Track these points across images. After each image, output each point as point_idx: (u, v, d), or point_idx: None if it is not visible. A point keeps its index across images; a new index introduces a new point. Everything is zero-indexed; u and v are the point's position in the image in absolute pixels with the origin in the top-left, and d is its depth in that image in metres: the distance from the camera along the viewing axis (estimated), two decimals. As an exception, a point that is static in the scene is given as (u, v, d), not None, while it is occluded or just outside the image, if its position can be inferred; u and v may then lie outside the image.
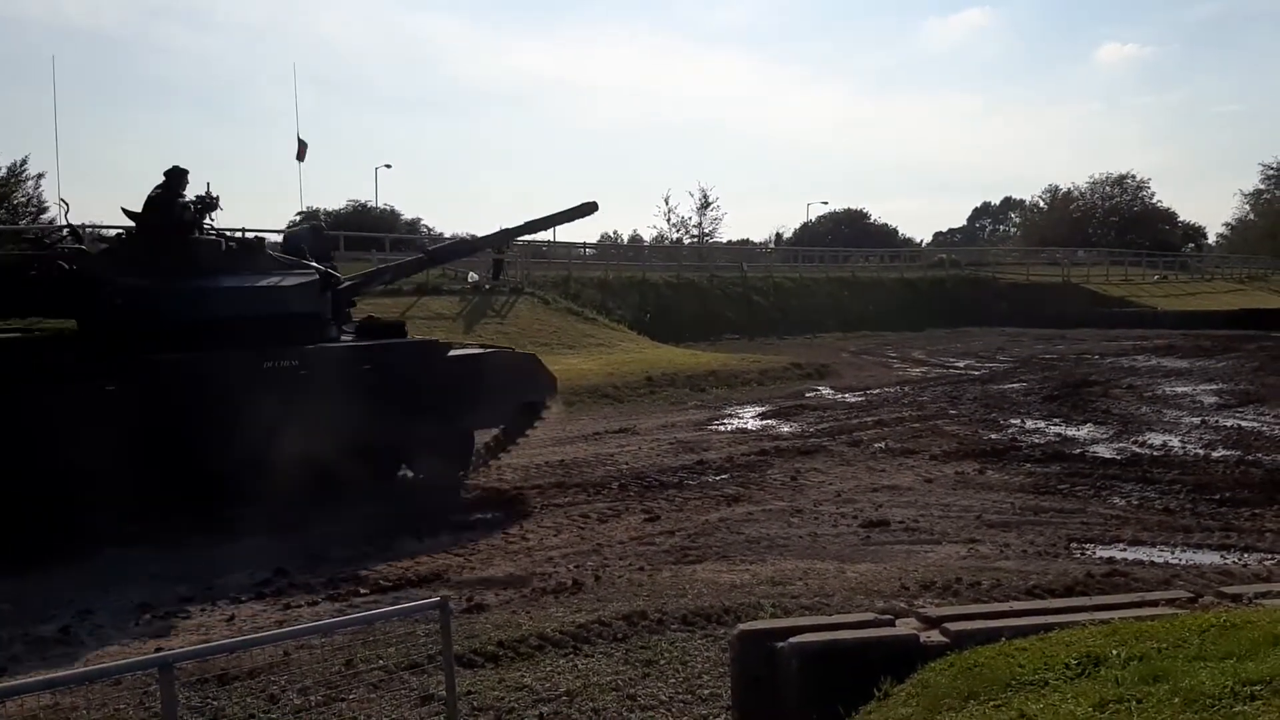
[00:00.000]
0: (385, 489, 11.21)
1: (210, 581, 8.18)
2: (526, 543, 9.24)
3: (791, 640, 4.35)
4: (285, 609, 7.53)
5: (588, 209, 14.62)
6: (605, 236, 75.86)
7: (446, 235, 44.29)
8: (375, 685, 5.97)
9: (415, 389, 11.07)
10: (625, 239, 70.97)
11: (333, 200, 64.61)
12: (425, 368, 11.39)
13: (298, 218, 23.77)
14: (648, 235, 68.67)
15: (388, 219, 52.35)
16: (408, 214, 58.36)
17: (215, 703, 5.77)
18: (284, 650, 6.41)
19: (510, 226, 15.77)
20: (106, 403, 9.09)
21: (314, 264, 11.37)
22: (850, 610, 6.76)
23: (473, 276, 30.62)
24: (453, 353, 11.99)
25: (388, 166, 75.09)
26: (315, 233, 13.18)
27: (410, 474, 11.98)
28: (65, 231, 11.27)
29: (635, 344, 28.44)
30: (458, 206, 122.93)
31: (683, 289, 39.91)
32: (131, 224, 10.82)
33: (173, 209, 10.50)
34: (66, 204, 11.91)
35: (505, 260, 32.54)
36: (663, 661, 6.21)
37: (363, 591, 7.93)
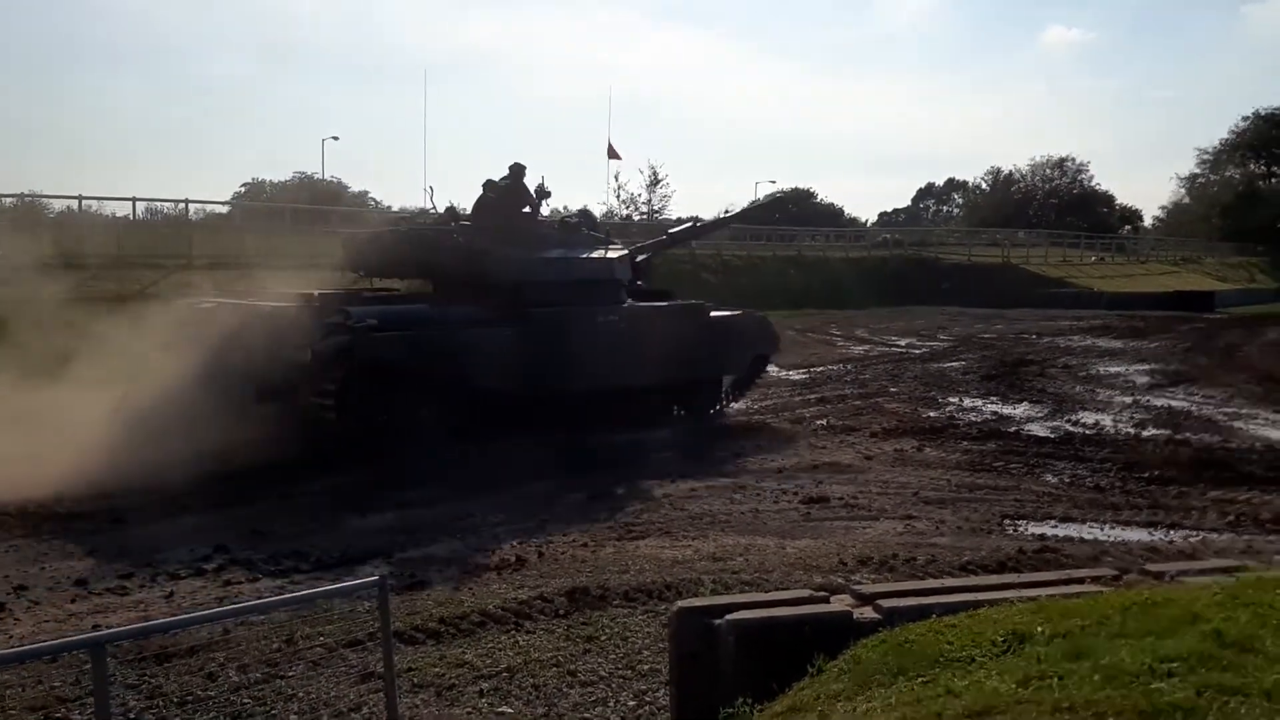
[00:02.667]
0: (664, 421, 13.98)
1: (150, 558, 8.09)
2: (471, 519, 9.24)
3: (729, 617, 4.43)
4: (226, 585, 7.47)
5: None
6: (555, 212, 75.31)
7: (395, 208, 43.82)
8: (315, 663, 5.95)
9: (689, 343, 13.72)
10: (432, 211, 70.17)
11: (278, 172, 63.53)
12: (696, 326, 14.23)
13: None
14: (598, 211, 68.48)
15: (335, 191, 51.64)
16: (355, 186, 57.69)
17: (153, 681, 5.73)
18: (224, 628, 6.38)
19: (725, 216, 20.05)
20: (507, 341, 12.05)
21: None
22: (789, 586, 6.86)
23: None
24: (713, 314, 14.81)
25: (335, 138, 73.89)
26: (587, 216, 16.20)
27: (679, 411, 14.60)
28: (444, 210, 14.25)
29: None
30: (406, 180, 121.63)
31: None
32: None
33: (523, 196, 13.75)
34: (432, 189, 17.99)
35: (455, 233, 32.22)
36: (604, 637, 6.28)
37: (304, 568, 7.89)
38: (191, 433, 10.05)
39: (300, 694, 5.56)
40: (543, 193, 14.13)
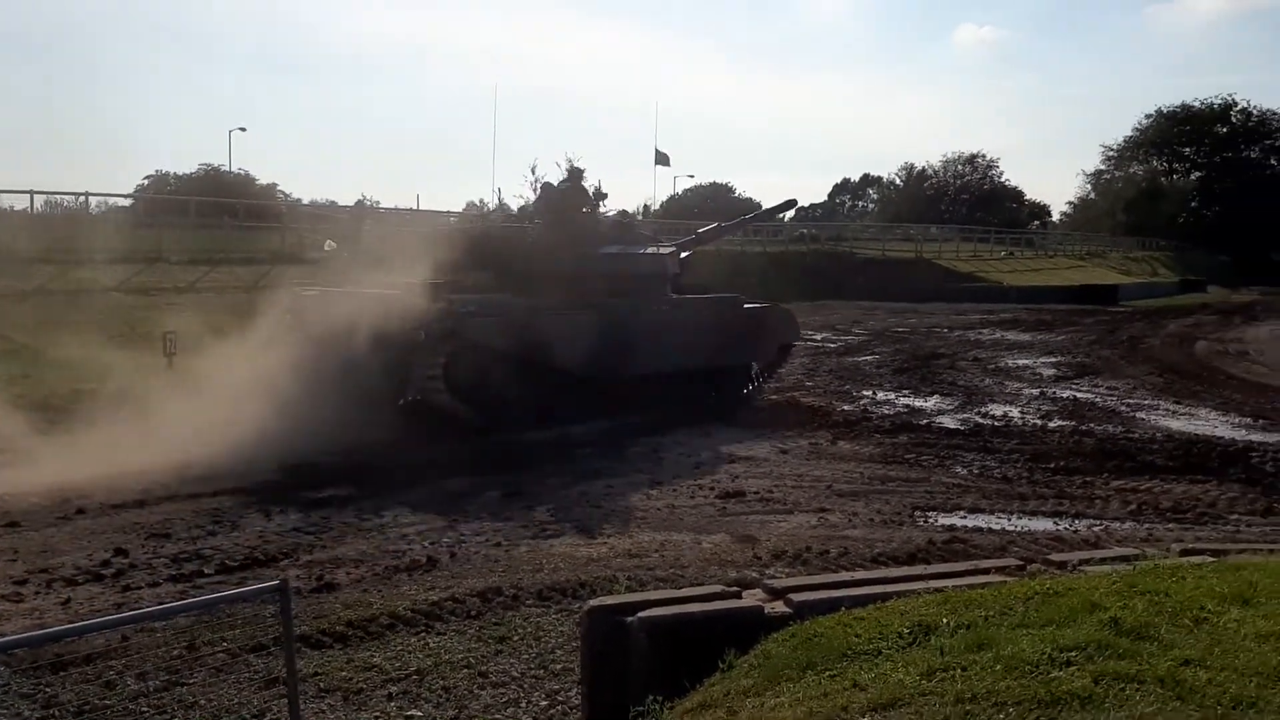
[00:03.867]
0: (699, 399, 15.03)
1: (45, 563, 7.79)
2: (381, 520, 9.08)
3: (640, 615, 4.40)
4: (125, 591, 7.23)
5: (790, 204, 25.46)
6: (471, 205, 74.59)
7: (305, 201, 43.07)
8: (218, 669, 5.80)
9: (727, 332, 15.48)
10: (492, 208, 69.98)
11: (183, 164, 61.85)
12: (733, 317, 15.96)
13: None
14: (515, 205, 67.92)
15: (242, 184, 50.45)
16: (263, 179, 56.41)
17: (49, 690, 5.51)
18: (122, 634, 6.17)
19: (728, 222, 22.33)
20: (578, 327, 13.60)
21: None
22: (704, 581, 6.86)
23: (329, 244, 29.74)
24: (745, 306, 16.51)
25: (242, 129, 72.11)
26: (626, 216, 18.19)
27: (714, 392, 15.58)
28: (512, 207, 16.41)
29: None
30: (316, 172, 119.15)
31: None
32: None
33: (583, 197, 15.45)
34: (500, 189, 20.94)
35: (365, 228, 31.76)
36: (516, 638, 6.22)
37: (207, 572, 7.66)
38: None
39: (202, 701, 5.41)
40: (599, 194, 15.83)
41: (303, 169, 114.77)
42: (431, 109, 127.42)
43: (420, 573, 7.53)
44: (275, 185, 56.12)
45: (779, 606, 4.57)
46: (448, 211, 46.59)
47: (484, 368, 12.50)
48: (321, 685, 5.59)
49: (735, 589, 4.88)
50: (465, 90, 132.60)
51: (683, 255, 16.65)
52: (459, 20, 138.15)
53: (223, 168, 51.99)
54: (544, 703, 5.39)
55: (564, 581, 7.14)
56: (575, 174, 15.46)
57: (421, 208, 37.57)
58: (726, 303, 16.39)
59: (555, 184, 15.51)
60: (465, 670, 5.78)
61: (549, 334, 13.22)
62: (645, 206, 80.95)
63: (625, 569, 7.42)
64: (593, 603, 4.70)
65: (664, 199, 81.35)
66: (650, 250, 15.82)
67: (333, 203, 44.90)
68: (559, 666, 5.76)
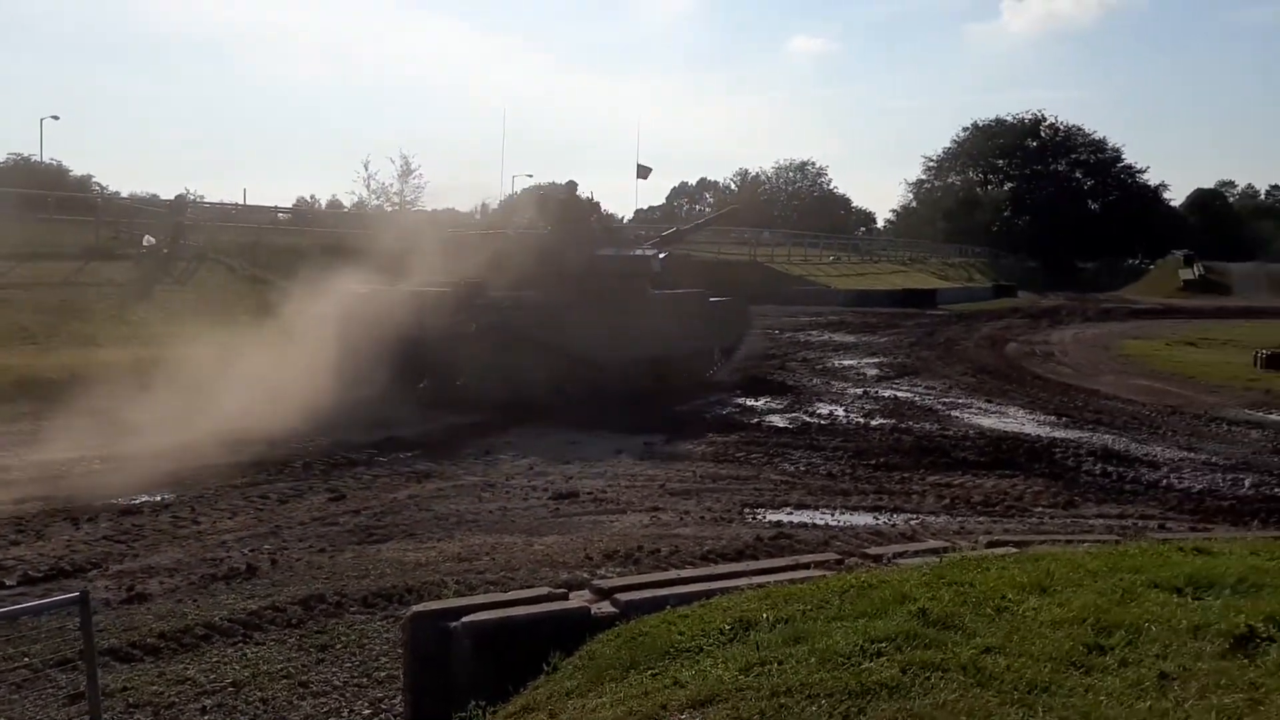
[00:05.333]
0: (668, 380, 17.02)
1: None
2: (197, 526, 8.68)
3: (464, 620, 4.34)
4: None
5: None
6: (301, 201, 72.37)
7: (123, 194, 40.92)
8: (19, 685, 5.44)
9: (698, 322, 18.20)
10: (323, 204, 68.07)
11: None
12: (703, 308, 18.71)
13: None
14: (347, 201, 66.19)
15: (55, 175, 47.53)
16: (78, 170, 53.34)
17: None
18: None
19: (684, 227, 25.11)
20: (588, 318, 15.58)
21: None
22: (535, 584, 6.82)
23: (149, 240, 28.37)
24: (711, 300, 19.17)
25: (55, 118, 67.95)
26: (613, 220, 22.79)
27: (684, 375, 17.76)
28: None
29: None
30: (138, 164, 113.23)
31: (382, 258, 38.73)
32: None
33: (581, 205, 17.83)
34: (495, 198, 19.23)
35: (186, 224, 30.39)
36: (339, 646, 6.04)
37: (9, 584, 7.18)
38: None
39: (2, 718, 5.06)
40: (592, 203, 18.36)
41: (123, 161, 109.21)
42: (259, 101, 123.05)
43: (239, 581, 7.23)
44: (90, 177, 53.21)
45: (606, 607, 4.58)
46: (275, 207, 45.17)
47: (519, 354, 14.51)
48: (130, 700, 5.31)
49: (563, 590, 4.87)
50: (289, 81, 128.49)
51: (661, 256, 18.93)
52: (286, 9, 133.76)
53: (34, 158, 48.93)
54: (367, 711, 5.26)
55: (390, 587, 6.98)
56: (571, 186, 17.82)
57: (249, 202, 36.23)
58: (696, 296, 19.15)
59: (551, 194, 18.91)
60: (285, 681, 5.57)
61: (563, 324, 15.29)
62: (484, 205, 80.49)
63: (454, 573, 7.31)
64: (416, 608, 4.61)
65: (503, 198, 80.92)
66: (638, 252, 18.83)
67: (154, 196, 42.83)
68: (383, 674, 5.63)
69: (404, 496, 9.90)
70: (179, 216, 29.34)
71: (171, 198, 32.17)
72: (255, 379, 13.03)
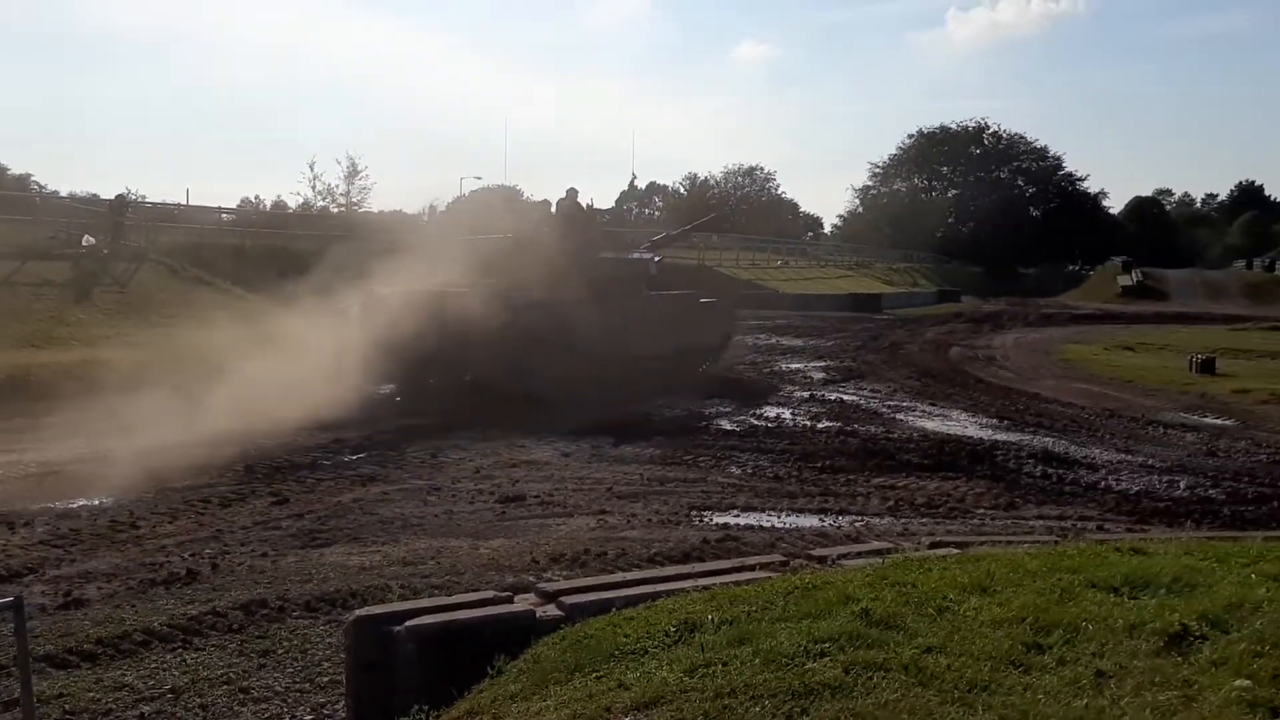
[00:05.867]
0: (664, 373, 17.89)
1: None
2: (137, 531, 8.52)
3: (408, 624, 4.30)
4: None
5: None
6: (246, 202, 71.43)
7: (63, 194, 40.10)
8: (-51, 695, 5.31)
9: (690, 320, 19.49)
10: (268, 205, 67.22)
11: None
12: (694, 309, 20.00)
13: None
14: (292, 203, 65.39)
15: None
16: (15, 169, 52.24)
17: None
18: None
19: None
20: (594, 317, 16.13)
21: None
22: (480, 587, 6.79)
23: (88, 240, 27.78)
24: (702, 300, 20.56)
25: (-10, 115, 66.65)
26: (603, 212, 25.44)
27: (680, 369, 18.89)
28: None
29: (275, 317, 27.03)
30: (77, 164, 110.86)
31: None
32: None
33: (583, 210, 19.00)
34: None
35: (127, 223, 29.82)
36: (281, 651, 5.96)
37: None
38: None
39: (-74, 733, 4.94)
40: (593, 209, 20.04)
41: (62, 160, 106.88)
42: (202, 100, 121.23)
43: (178, 586, 7.11)
44: (29, 175, 52.11)
45: (551, 610, 4.57)
46: (219, 207, 44.53)
47: (534, 351, 15.32)
48: (66, 707, 5.21)
49: (508, 594, 4.85)
50: (231, 81, 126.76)
51: (656, 259, 20.11)
52: (228, 9, 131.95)
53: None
54: (309, 716, 5.19)
55: (334, 591, 6.90)
56: (572, 193, 18.67)
57: (192, 203, 35.63)
58: (688, 297, 20.54)
59: (556, 201, 18.82)
60: (225, 686, 5.49)
61: (574, 323, 15.95)
62: (432, 207, 79.96)
63: (399, 577, 7.24)
64: (359, 612, 4.57)
65: (450, 200, 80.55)
66: (636, 255, 20.16)
67: (94, 196, 42.01)
68: (326, 679, 5.56)
69: (349, 500, 9.80)
70: (119, 216, 28.76)
71: (112, 197, 31.49)
72: (242, 383, 13.31)
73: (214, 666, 5.74)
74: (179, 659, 5.86)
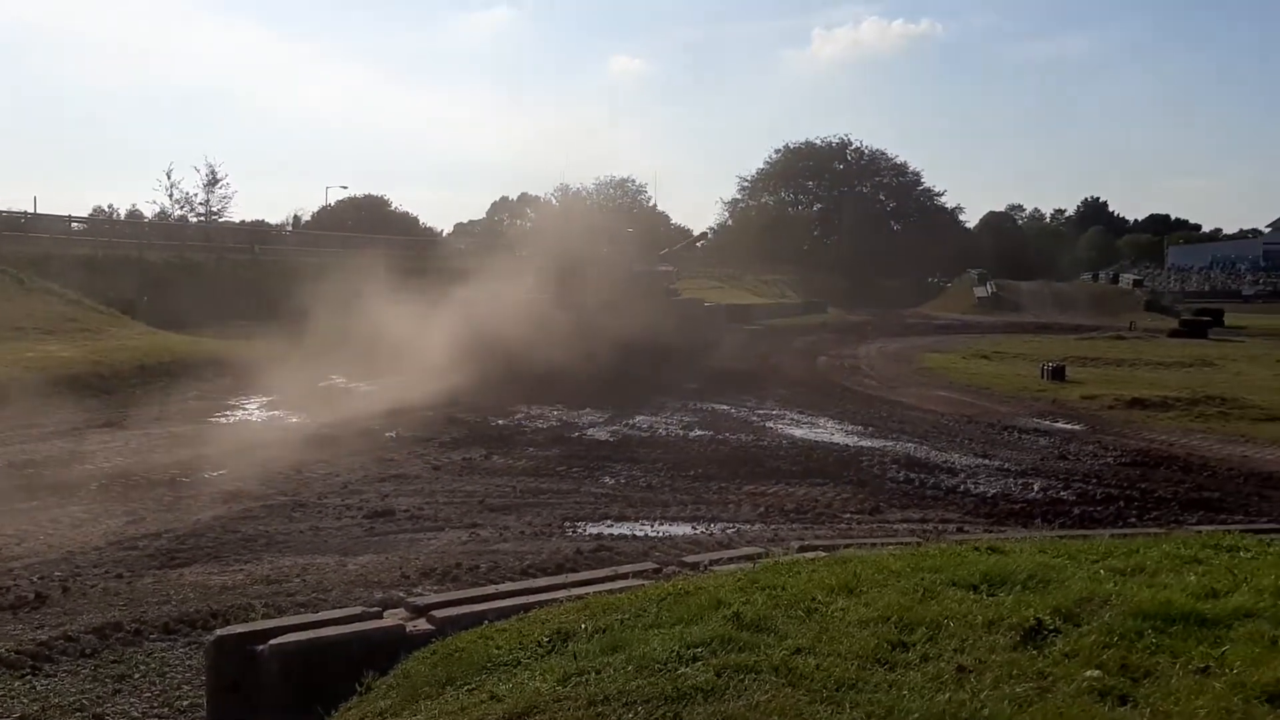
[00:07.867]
0: (670, 365, 21.79)
1: None
2: (-24, 553, 8.07)
3: (271, 642, 4.18)
4: None
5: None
6: (98, 210, 68.57)
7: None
8: None
9: (695, 322, 25.51)
10: (122, 214, 64.59)
11: None
12: (699, 311, 26.80)
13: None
14: (149, 211, 62.98)
15: None
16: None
17: None
18: None
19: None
20: (635, 317, 21.76)
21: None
22: (348, 604, 6.62)
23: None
24: (705, 304, 28.68)
25: None
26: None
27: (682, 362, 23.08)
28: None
29: (128, 329, 25.95)
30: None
31: (187, 270, 37.08)
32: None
33: (625, 233, 26.61)
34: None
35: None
36: (138, 675, 5.71)
37: None
38: None
39: None
40: (627, 230, 24.97)
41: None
42: (51, 106, 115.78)
43: (26, 610, 6.76)
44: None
45: (421, 624, 4.50)
46: (68, 216, 42.57)
47: (591, 339, 19.87)
48: (-104, 746, 4.89)
49: (377, 609, 4.76)
50: (82, 85, 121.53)
51: (672, 272, 26.86)
52: (77, 12, 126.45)
53: None
54: (167, 744, 4.99)
55: (193, 613, 6.64)
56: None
57: (40, 211, 33.96)
58: (695, 302, 27.64)
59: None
60: (78, 714, 5.23)
61: (622, 321, 20.66)
62: (296, 217, 78.00)
63: (262, 596, 7.02)
64: (220, 632, 4.43)
65: (315, 209, 78.81)
66: (661, 268, 26.78)
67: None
68: (186, 703, 5.34)
69: (208, 518, 9.46)
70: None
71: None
72: None
73: (66, 693, 5.46)
74: (27, 686, 5.56)
